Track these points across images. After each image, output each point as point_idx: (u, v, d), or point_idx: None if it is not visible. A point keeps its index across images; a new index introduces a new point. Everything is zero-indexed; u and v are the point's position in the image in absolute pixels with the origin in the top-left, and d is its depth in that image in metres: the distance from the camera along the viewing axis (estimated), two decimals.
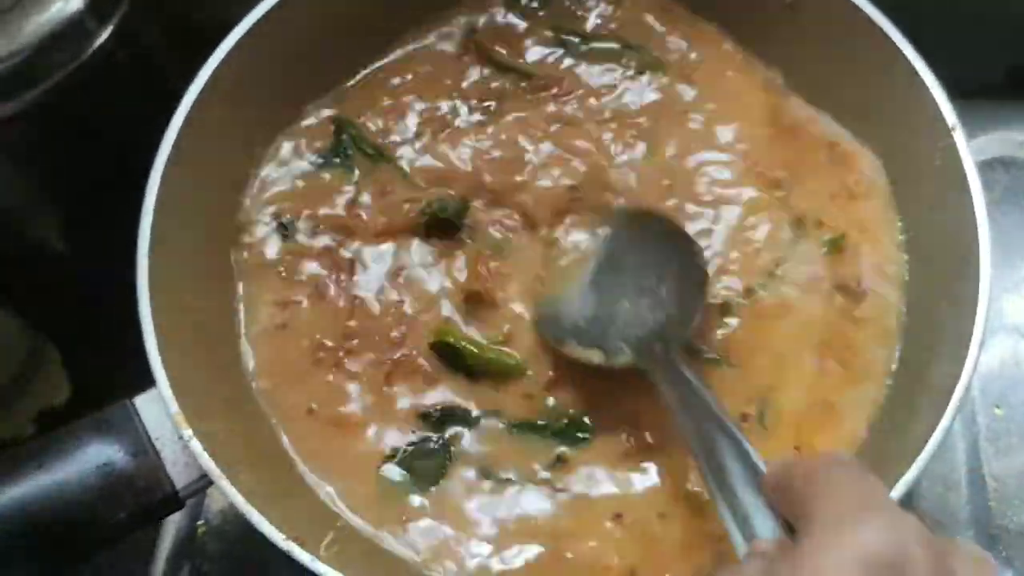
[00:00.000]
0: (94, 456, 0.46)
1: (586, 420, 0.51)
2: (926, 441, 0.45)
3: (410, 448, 0.51)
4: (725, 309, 0.53)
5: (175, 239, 0.51)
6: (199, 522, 0.59)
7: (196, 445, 0.45)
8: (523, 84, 0.59)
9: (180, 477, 0.47)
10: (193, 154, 0.52)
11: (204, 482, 0.47)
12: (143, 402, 0.48)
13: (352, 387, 0.52)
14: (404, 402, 0.52)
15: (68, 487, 0.45)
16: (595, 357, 0.50)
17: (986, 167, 0.68)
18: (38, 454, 0.45)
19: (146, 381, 0.48)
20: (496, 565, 0.48)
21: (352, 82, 0.60)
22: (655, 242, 0.53)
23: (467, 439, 0.51)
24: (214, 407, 0.50)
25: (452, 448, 0.51)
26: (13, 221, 0.70)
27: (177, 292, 0.50)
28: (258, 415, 0.52)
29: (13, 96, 0.58)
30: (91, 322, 0.71)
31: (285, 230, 0.56)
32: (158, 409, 0.47)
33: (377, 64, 0.60)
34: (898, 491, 0.44)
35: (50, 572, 0.45)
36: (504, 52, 0.60)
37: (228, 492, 0.45)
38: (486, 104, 0.59)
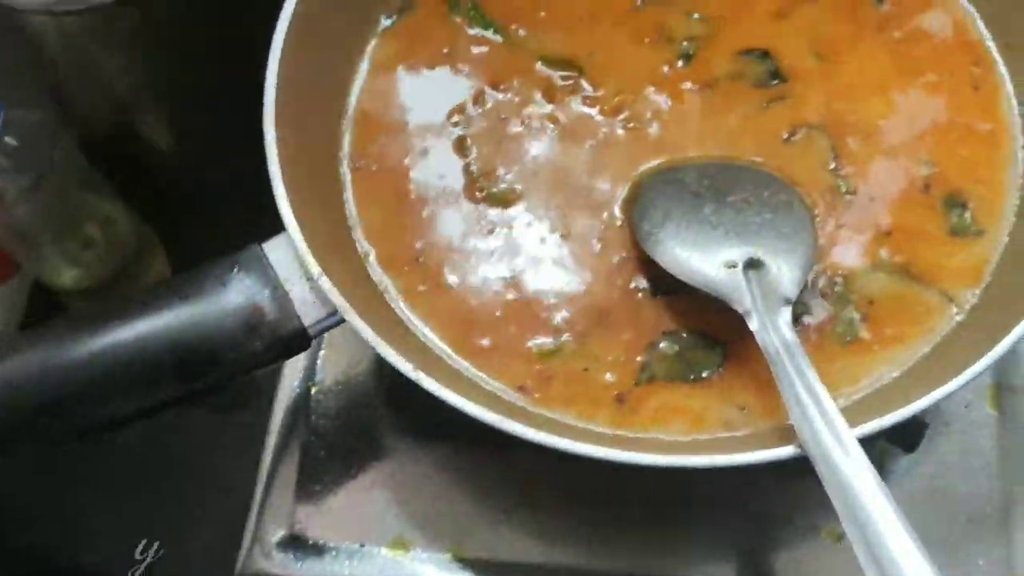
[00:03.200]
0: (231, 292, 0.48)
1: None
2: None
3: None
4: None
5: (299, 80, 0.52)
6: (311, 382, 0.62)
7: (326, 282, 0.47)
8: None
9: (308, 315, 0.48)
10: (307, 24, 0.53)
11: (331, 320, 0.48)
12: (270, 247, 0.50)
13: None
14: None
15: (210, 316, 0.47)
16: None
17: None
18: (183, 287, 0.48)
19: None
20: None
21: None
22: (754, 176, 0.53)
23: None
24: (334, 259, 0.51)
25: None
26: (124, 114, 0.72)
27: (301, 134, 0.52)
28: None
29: None
30: (191, 211, 0.73)
31: None
32: (286, 254, 0.49)
33: None
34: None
35: (195, 395, 0.47)
36: None
37: (358, 326, 0.46)
38: None
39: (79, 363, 0.46)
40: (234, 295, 0.48)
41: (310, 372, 0.62)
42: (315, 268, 0.48)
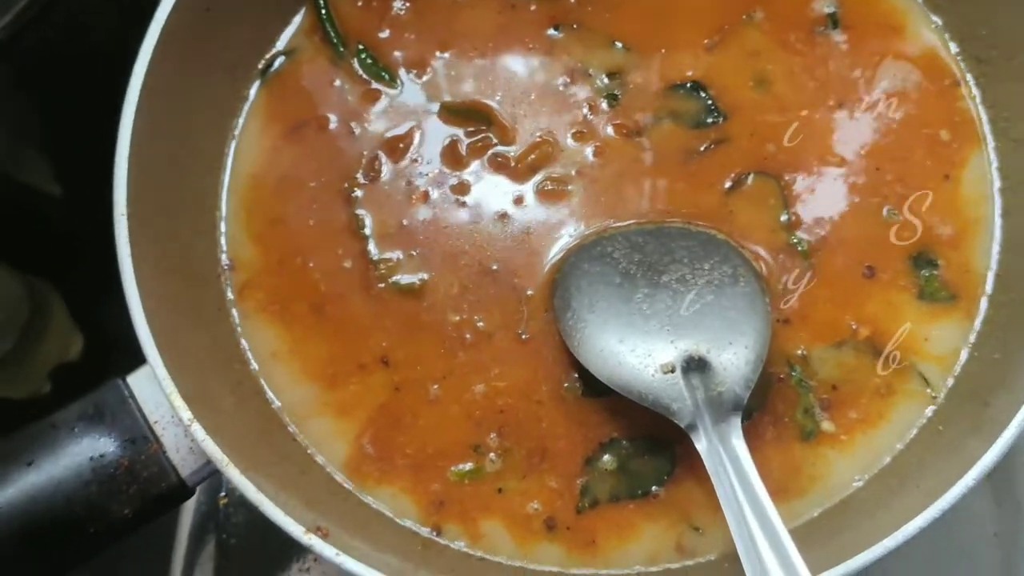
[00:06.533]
0: (88, 448, 0.41)
1: None
2: None
3: None
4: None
5: (159, 163, 0.45)
6: (221, 494, 0.55)
7: (198, 430, 0.40)
8: None
9: (185, 464, 0.42)
10: (168, 86, 0.45)
11: (213, 466, 0.42)
12: (137, 381, 0.42)
13: None
14: None
15: (63, 485, 0.40)
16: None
17: None
18: (28, 450, 0.41)
19: None
20: None
21: None
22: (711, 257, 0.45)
23: None
24: (215, 383, 0.44)
25: None
26: (3, 167, 0.64)
27: (163, 252, 0.44)
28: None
29: None
30: (96, 268, 0.66)
31: None
32: (154, 388, 0.41)
33: None
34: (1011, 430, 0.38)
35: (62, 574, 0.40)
36: None
37: (239, 482, 0.40)
38: None
39: None
40: (90, 452, 0.41)
41: (217, 482, 0.55)
42: (185, 413, 0.40)
